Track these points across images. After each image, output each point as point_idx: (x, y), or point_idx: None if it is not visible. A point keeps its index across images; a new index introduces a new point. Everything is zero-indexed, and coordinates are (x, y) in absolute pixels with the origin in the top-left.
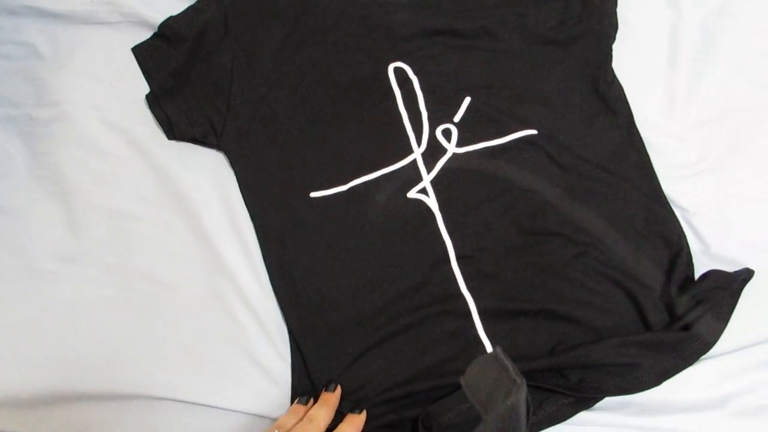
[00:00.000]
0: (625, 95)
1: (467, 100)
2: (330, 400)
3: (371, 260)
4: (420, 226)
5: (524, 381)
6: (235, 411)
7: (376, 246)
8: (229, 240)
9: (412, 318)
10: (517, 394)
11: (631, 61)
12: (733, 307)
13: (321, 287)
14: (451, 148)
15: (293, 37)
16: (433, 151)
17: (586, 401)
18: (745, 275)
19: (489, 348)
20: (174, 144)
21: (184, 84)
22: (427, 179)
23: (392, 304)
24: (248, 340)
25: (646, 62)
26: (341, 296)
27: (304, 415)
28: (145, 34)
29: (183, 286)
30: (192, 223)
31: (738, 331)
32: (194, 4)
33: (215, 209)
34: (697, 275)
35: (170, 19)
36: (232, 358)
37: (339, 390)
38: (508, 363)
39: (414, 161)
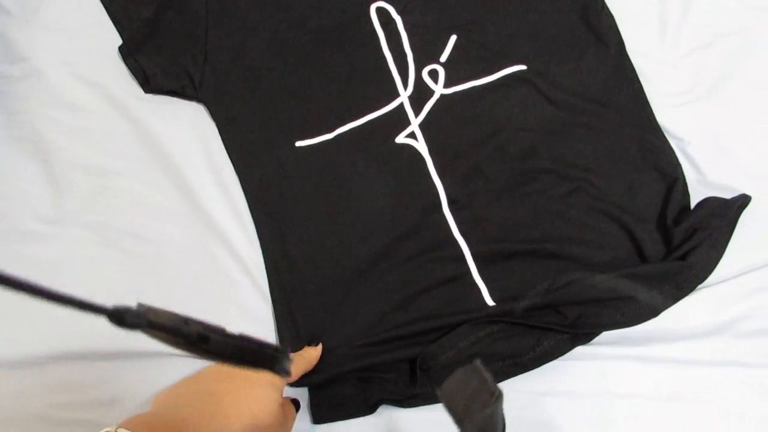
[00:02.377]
0: (615, 25)
1: (453, 38)
2: (311, 354)
3: (362, 208)
4: (410, 172)
5: (502, 393)
6: None
7: (366, 194)
8: (213, 194)
9: (406, 265)
10: (495, 405)
11: None
12: (730, 234)
13: (311, 238)
14: (439, 89)
15: None
16: (420, 93)
17: (585, 336)
18: (742, 201)
19: (484, 291)
20: (151, 97)
21: (157, 33)
22: (415, 123)
23: (385, 252)
24: (239, 293)
25: None
26: (333, 247)
27: None
28: None
29: (169, 243)
30: (174, 178)
31: (735, 257)
32: None
33: (197, 163)
34: (693, 205)
35: None
36: (224, 312)
37: (320, 348)
38: (487, 375)
39: (401, 105)
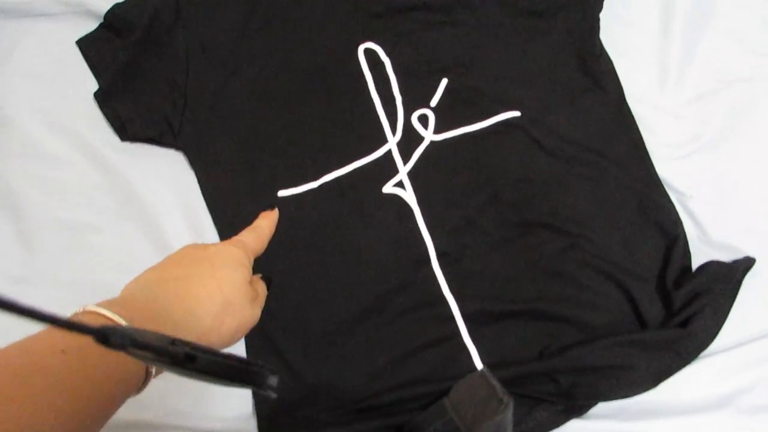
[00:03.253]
0: (614, 69)
1: (444, 81)
2: (271, 215)
3: (347, 262)
4: (398, 223)
5: (511, 400)
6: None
7: (352, 246)
8: None
9: (393, 324)
10: (504, 412)
11: (621, 30)
12: (733, 300)
13: (293, 294)
14: (429, 135)
15: (252, 18)
16: (410, 139)
17: (579, 408)
18: (746, 264)
19: (474, 354)
20: (128, 146)
21: (135, 78)
22: (403, 171)
23: (372, 309)
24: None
25: (637, 31)
26: (315, 303)
27: None
28: (90, 25)
29: None
30: (152, 232)
31: (737, 323)
32: None
33: (176, 215)
34: (694, 263)
35: (116, 6)
36: None
37: (277, 210)
38: (495, 382)
39: (389, 152)
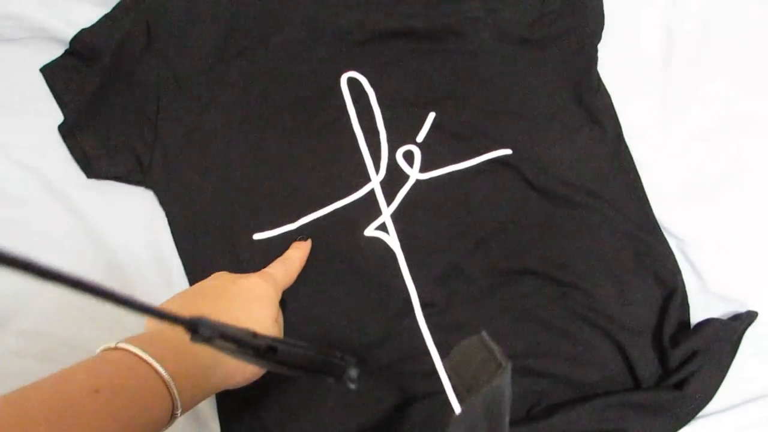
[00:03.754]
0: (612, 104)
1: (431, 115)
2: (303, 246)
3: (326, 312)
4: (380, 269)
5: (510, 363)
6: None
7: (331, 294)
8: (160, 296)
9: (375, 378)
10: (503, 376)
11: (619, 63)
12: (733, 357)
13: None
14: (414, 173)
15: (228, 47)
16: (394, 177)
17: None
18: (748, 320)
19: (458, 410)
20: (94, 183)
21: (102, 110)
22: (386, 213)
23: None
24: None
25: (636, 65)
26: None
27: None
28: (54, 52)
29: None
30: (119, 278)
31: (736, 381)
32: (110, 12)
33: (144, 259)
34: (693, 313)
35: (83, 32)
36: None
37: (310, 240)
38: (494, 346)
39: (372, 191)
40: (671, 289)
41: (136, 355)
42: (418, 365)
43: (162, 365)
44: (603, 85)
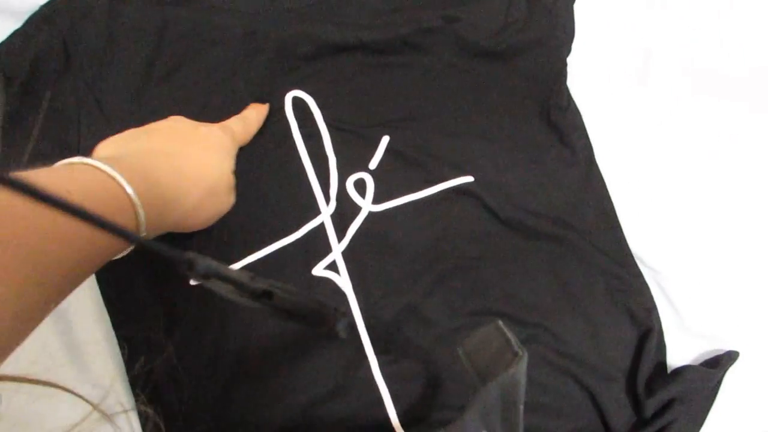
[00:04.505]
0: (583, 123)
1: (385, 139)
2: (261, 108)
3: (274, 363)
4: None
5: (526, 352)
6: None
7: (278, 344)
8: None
9: (332, 424)
10: (519, 364)
11: (592, 79)
12: (711, 405)
13: (215, 399)
14: (367, 205)
15: (157, 64)
16: (344, 210)
17: None
18: (728, 363)
19: None
20: None
21: (16, 141)
22: (337, 250)
23: (303, 415)
24: None
25: (610, 81)
26: (238, 410)
27: None
28: None
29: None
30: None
31: (713, 424)
32: (21, 28)
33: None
34: (670, 350)
35: None
36: None
37: (268, 105)
38: (510, 335)
39: (321, 226)
40: (646, 328)
41: (104, 171)
42: (373, 417)
43: (129, 185)
44: (573, 102)
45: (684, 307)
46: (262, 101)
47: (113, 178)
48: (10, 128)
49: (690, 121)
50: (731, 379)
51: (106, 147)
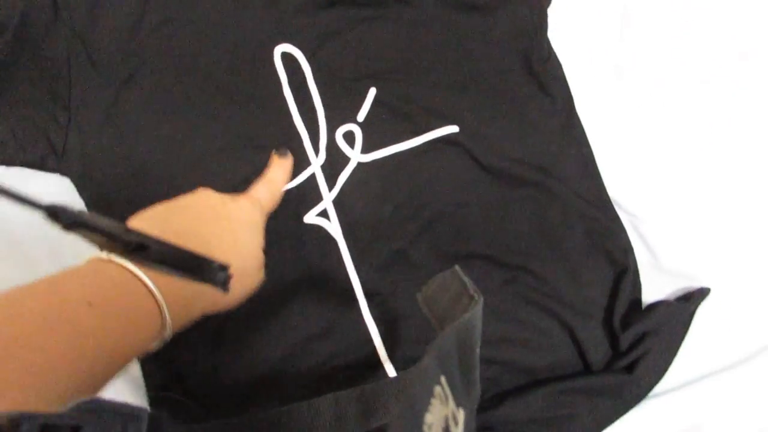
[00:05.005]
0: (563, 74)
1: (372, 91)
2: (286, 164)
3: (265, 305)
4: (321, 259)
5: (482, 296)
6: None
7: (270, 286)
8: None
9: (318, 371)
10: (475, 308)
11: (572, 29)
12: (683, 338)
13: (207, 340)
14: (355, 155)
15: (146, 15)
16: (334, 160)
17: None
18: (700, 298)
19: None
20: (4, 171)
21: (7, 91)
22: (328, 198)
23: (294, 354)
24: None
25: (590, 32)
26: (231, 349)
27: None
28: None
29: None
30: (31, 271)
31: (684, 359)
32: None
33: (60, 256)
34: (645, 290)
35: None
36: None
37: (291, 156)
38: (467, 279)
39: (312, 176)
40: (623, 267)
41: (129, 270)
42: (361, 355)
43: (154, 284)
44: (554, 53)
45: (659, 248)
46: (250, 56)
47: (139, 277)
48: (2, 82)
49: (666, 70)
50: (702, 313)
51: (139, 226)
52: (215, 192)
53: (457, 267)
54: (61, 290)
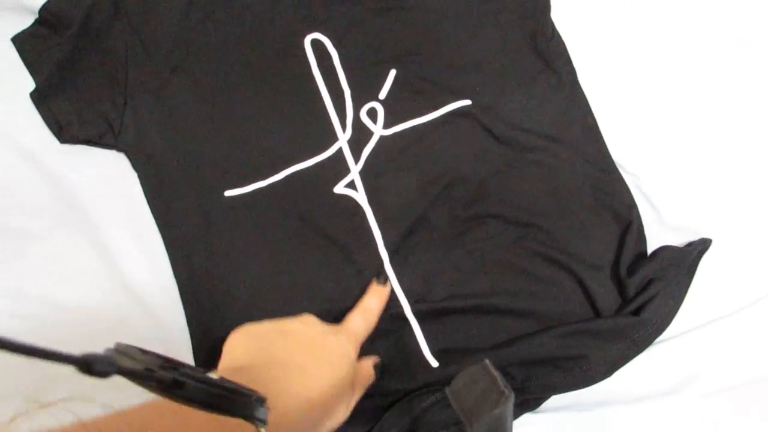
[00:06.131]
0: (566, 51)
1: (392, 72)
2: (382, 293)
3: (297, 267)
4: (349, 226)
5: (512, 392)
6: None
7: (302, 250)
8: (135, 255)
9: None
10: (505, 404)
11: (572, 8)
12: (689, 283)
13: (240, 301)
14: (378, 130)
15: (192, 10)
16: (360, 135)
17: (533, 401)
18: (701, 247)
19: (425, 349)
20: (67, 148)
21: (73, 77)
22: (355, 170)
23: (322, 314)
24: None
25: (589, 8)
26: (265, 309)
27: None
28: (25, 21)
29: (87, 310)
30: (94, 238)
31: (693, 306)
32: None
33: (119, 220)
34: (650, 246)
35: (51, 1)
36: None
37: (389, 284)
38: (497, 374)
39: (340, 150)
40: (627, 222)
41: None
42: (387, 309)
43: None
44: (557, 31)
45: (661, 205)
46: (284, 44)
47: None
48: (68, 68)
49: (664, 39)
50: (706, 265)
51: (241, 344)
52: (318, 321)
53: (486, 361)
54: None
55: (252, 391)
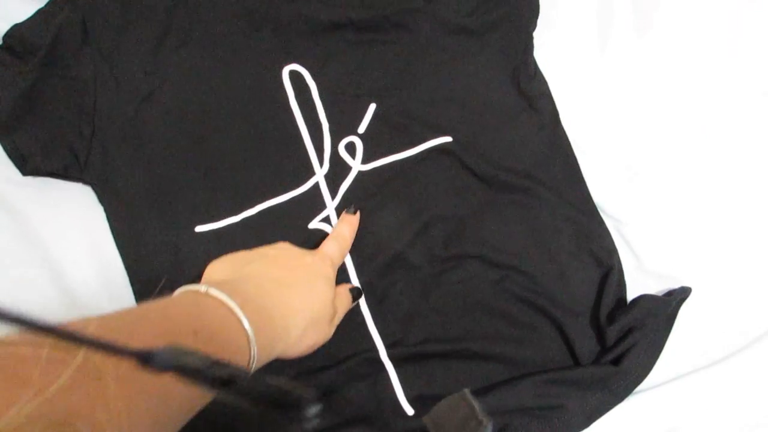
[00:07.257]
0: (549, 90)
1: (372, 106)
2: (353, 221)
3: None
4: None
5: (491, 421)
6: None
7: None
8: (98, 292)
9: (319, 363)
10: None
11: (556, 49)
12: (668, 333)
13: None
14: (356, 165)
15: (167, 38)
16: (337, 170)
17: None
18: (681, 296)
19: (401, 396)
20: (30, 181)
21: (37, 106)
22: (331, 206)
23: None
24: None
25: (573, 50)
26: None
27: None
28: None
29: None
30: (56, 278)
31: (671, 356)
32: (44, 6)
33: (82, 258)
34: (630, 292)
35: (16, 27)
36: None
37: (359, 213)
38: (475, 403)
39: (316, 184)
40: (608, 268)
41: (226, 306)
42: (361, 350)
43: (249, 323)
44: (539, 71)
45: (642, 251)
46: (261, 74)
47: (234, 313)
48: (33, 97)
49: (644, 83)
50: (685, 313)
51: (221, 267)
52: (293, 245)
53: (466, 390)
54: (172, 317)
55: (303, 389)
